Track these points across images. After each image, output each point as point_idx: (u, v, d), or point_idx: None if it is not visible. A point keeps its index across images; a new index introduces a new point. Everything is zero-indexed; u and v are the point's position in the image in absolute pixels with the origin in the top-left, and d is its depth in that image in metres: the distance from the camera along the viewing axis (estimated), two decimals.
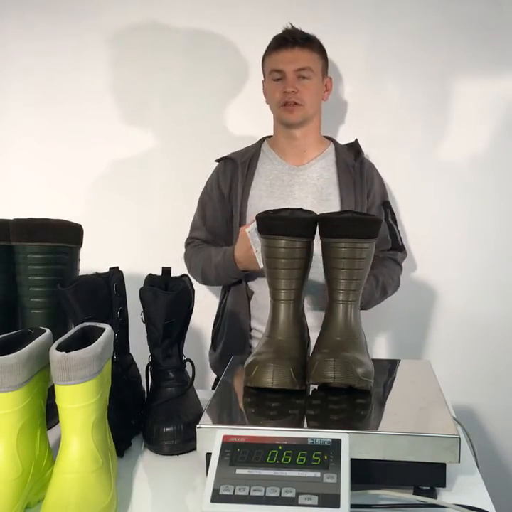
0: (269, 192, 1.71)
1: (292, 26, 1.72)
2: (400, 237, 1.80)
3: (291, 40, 1.67)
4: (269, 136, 1.83)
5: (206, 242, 1.80)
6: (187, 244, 1.83)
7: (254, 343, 1.71)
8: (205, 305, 1.92)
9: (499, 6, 1.90)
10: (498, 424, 2.03)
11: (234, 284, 1.73)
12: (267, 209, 1.65)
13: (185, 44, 1.99)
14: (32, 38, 2.02)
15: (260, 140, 1.82)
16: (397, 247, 1.79)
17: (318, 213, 1.14)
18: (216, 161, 1.82)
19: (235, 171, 1.75)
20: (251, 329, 1.72)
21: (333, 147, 1.79)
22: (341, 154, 1.76)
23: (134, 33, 2.00)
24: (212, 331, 1.83)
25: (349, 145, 1.82)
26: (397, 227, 1.80)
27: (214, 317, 1.83)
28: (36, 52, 2.02)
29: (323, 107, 1.77)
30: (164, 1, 1.98)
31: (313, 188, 1.71)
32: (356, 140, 1.82)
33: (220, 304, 1.81)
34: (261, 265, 1.25)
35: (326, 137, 1.82)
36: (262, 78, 1.77)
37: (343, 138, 1.88)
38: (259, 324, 1.70)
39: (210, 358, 1.84)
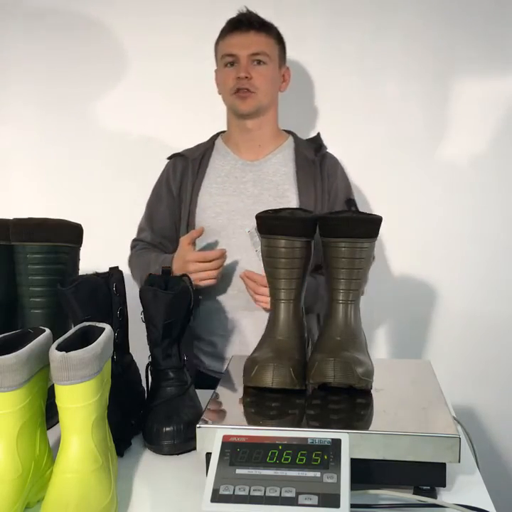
0: (220, 189, 1.61)
1: (247, 9, 1.59)
2: None
3: (246, 23, 1.55)
4: (224, 132, 1.73)
5: (152, 245, 1.67)
6: (132, 247, 1.70)
7: (200, 355, 1.62)
8: None
9: (499, 5, 1.90)
10: (498, 424, 2.03)
11: None
12: (217, 207, 1.60)
13: (182, 45, 1.99)
14: (31, 41, 2.02)
15: (214, 135, 1.72)
16: None
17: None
18: (167, 158, 1.71)
19: (186, 168, 1.64)
20: (199, 339, 1.62)
21: (292, 141, 1.68)
22: (301, 149, 1.65)
23: (132, 36, 2.00)
24: None
25: (310, 139, 1.72)
26: None
27: None
28: (35, 54, 2.03)
29: (320, 105, 1.73)
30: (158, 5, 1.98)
31: (269, 184, 1.60)
32: (318, 134, 1.72)
33: None
34: (261, 265, 1.25)
35: (285, 131, 1.71)
36: (215, 68, 1.66)
37: (342, 138, 1.87)
38: (205, 333, 1.60)
39: None
